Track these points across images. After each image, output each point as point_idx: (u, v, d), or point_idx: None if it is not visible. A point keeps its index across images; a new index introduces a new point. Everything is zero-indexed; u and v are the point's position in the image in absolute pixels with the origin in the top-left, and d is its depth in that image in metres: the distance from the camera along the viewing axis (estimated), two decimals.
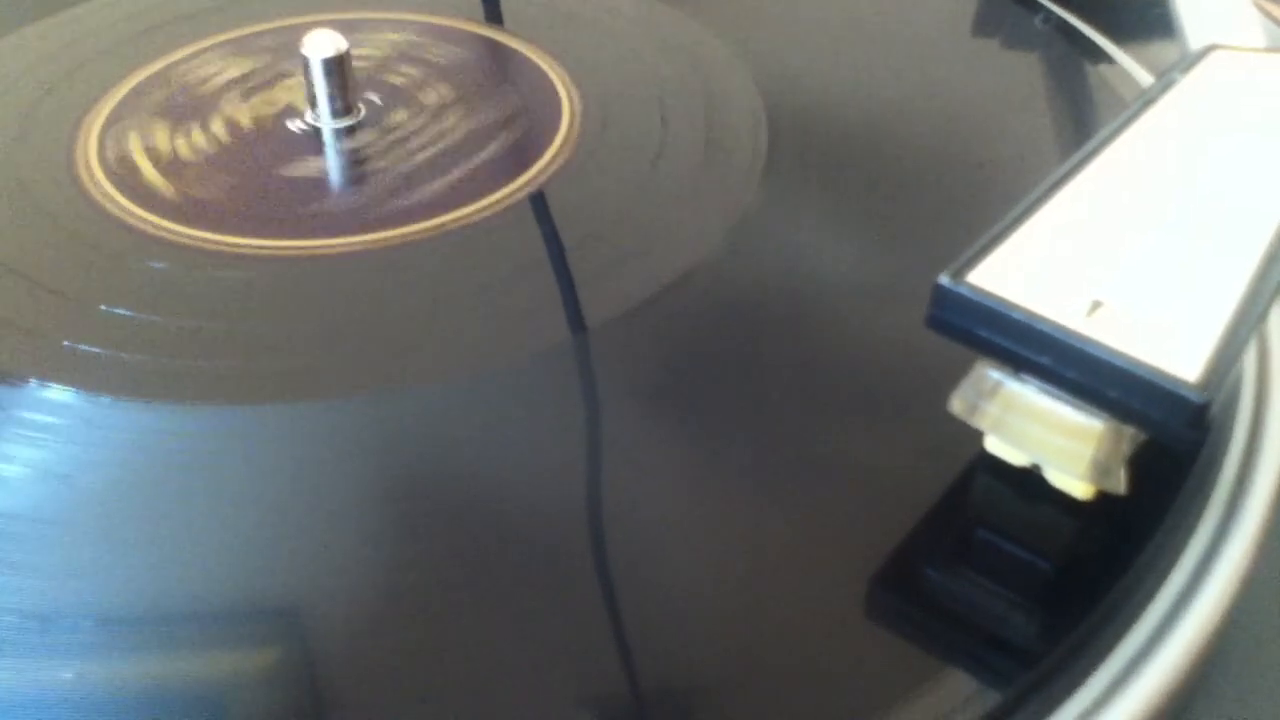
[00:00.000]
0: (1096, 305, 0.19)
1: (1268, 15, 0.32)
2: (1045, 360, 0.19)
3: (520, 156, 0.31)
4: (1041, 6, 0.38)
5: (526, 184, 0.30)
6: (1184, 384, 0.18)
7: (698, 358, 0.25)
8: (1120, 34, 0.36)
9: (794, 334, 0.26)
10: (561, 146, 0.31)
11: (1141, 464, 0.20)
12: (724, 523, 0.21)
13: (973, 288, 0.19)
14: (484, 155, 0.31)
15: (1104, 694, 0.19)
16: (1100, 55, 0.35)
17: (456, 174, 0.30)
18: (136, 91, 0.34)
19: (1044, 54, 0.36)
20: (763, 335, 0.26)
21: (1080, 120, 0.33)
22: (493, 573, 0.20)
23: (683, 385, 0.24)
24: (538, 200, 0.30)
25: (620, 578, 0.20)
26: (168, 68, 0.35)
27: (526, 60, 0.35)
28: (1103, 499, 0.20)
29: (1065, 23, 0.37)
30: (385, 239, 0.28)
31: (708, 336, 0.26)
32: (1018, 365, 0.19)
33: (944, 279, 0.19)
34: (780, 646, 0.19)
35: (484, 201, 0.29)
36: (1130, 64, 0.35)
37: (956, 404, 0.21)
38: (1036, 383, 0.20)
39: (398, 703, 0.18)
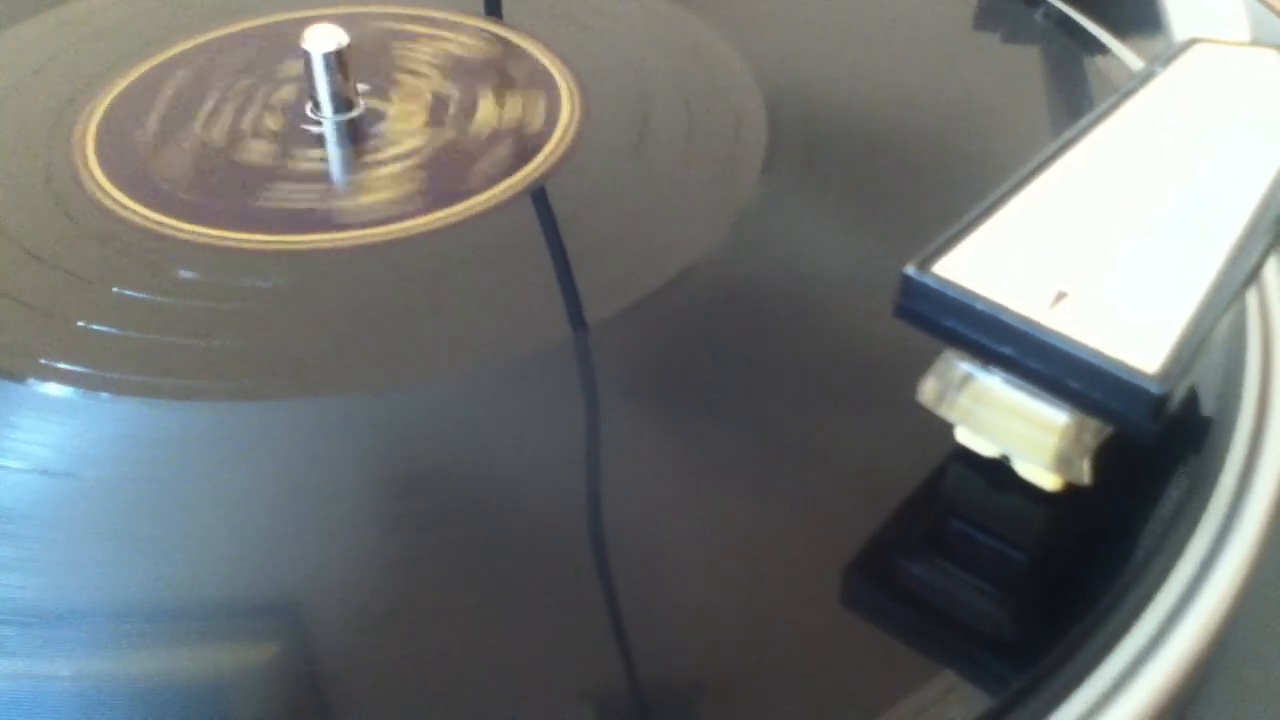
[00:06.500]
0: (1061, 296, 0.19)
1: (1268, 7, 0.32)
2: (1009, 351, 0.19)
3: (519, 152, 0.31)
4: (1042, 1, 0.38)
5: (525, 179, 0.30)
6: (1143, 375, 0.18)
7: (697, 355, 0.25)
8: (1122, 28, 0.36)
9: (794, 331, 0.26)
10: (560, 142, 0.32)
11: (1141, 461, 0.20)
12: (726, 521, 0.21)
13: (938, 278, 0.19)
14: (482, 150, 0.31)
15: (1104, 694, 0.19)
16: (1102, 50, 0.35)
17: (455, 169, 0.31)
18: (136, 88, 0.34)
19: (1045, 48, 0.36)
20: (763, 332, 0.26)
21: (1082, 115, 0.33)
22: (491, 570, 0.21)
23: (683, 382, 0.24)
24: (537, 196, 0.30)
25: (618, 576, 0.21)
26: (167, 63, 0.35)
27: (525, 54, 0.35)
28: (1102, 496, 0.20)
29: (1066, 17, 0.37)
30: (384, 234, 0.28)
31: (708, 333, 0.26)
32: (983, 357, 0.19)
33: (910, 269, 0.20)
34: (777, 646, 0.19)
35: (482, 197, 0.29)
36: (1132, 58, 0.34)
37: (927, 393, 0.21)
38: (1003, 374, 0.20)
39: (398, 701, 0.19)
